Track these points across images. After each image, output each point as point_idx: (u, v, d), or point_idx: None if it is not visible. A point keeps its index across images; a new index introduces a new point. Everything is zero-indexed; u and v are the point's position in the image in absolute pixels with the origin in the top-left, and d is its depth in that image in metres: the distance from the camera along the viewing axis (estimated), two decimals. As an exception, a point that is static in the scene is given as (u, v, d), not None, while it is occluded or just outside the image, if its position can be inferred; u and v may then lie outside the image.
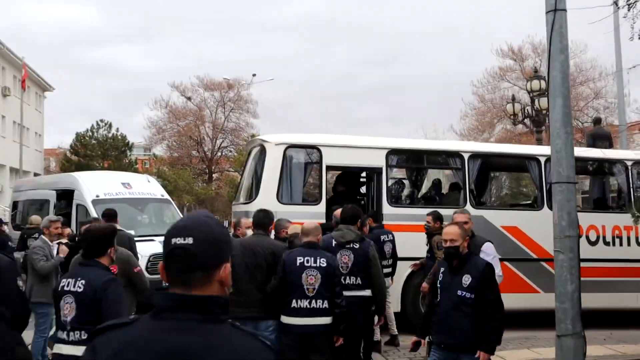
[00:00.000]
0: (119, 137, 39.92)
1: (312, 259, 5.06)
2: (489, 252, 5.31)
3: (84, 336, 3.62)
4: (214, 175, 40.63)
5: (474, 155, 9.75)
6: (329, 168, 9.12)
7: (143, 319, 1.63)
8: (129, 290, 4.71)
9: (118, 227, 6.32)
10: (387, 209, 8.98)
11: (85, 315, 3.65)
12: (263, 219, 5.63)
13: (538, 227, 8.99)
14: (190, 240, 1.60)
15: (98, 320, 3.26)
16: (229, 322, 1.62)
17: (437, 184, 10.59)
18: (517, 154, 10.67)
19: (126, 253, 5.46)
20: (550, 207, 9.67)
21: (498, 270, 5.18)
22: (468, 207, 9.44)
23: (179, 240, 1.61)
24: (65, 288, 3.76)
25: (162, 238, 1.74)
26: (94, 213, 11.56)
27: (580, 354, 5.40)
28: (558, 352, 5.41)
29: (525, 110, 15.44)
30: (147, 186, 13.39)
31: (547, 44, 5.80)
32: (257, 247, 5.38)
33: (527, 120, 23.33)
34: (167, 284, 1.67)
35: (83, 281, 3.73)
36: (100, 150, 38.60)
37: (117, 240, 4.31)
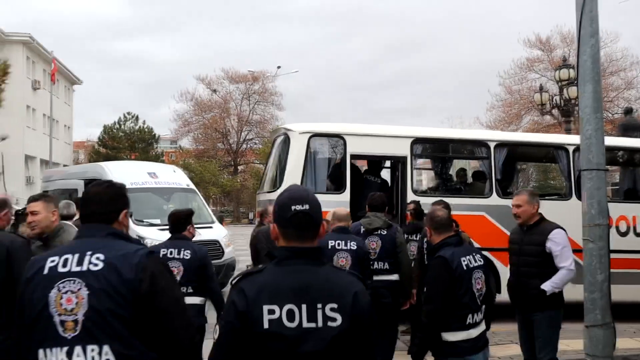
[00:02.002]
0: (146, 129, 40.46)
1: (343, 242, 5.32)
2: (557, 240, 4.85)
3: (190, 290, 4.83)
4: (239, 167, 40.93)
5: (501, 144, 9.59)
6: (353, 157, 9.07)
7: (268, 267, 2.18)
8: None
9: None
10: (411, 198, 8.91)
11: (190, 275, 4.83)
12: None
13: (566, 217, 8.77)
14: (307, 207, 2.18)
15: (199, 279, 4.90)
16: (329, 264, 2.26)
17: (462, 173, 10.46)
18: (544, 143, 10.47)
19: None
20: (579, 197, 9.51)
21: (568, 264, 4.78)
22: (494, 197, 9.36)
23: (298, 207, 2.17)
24: (169, 255, 4.84)
25: None
26: (121, 202, 11.72)
27: (610, 345, 5.26)
28: (586, 343, 5.28)
29: (554, 100, 15.15)
30: (172, 176, 13.52)
31: (576, 27, 5.65)
32: None
33: (555, 111, 22.95)
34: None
35: (189, 251, 4.88)
36: (127, 142, 39.17)
37: None
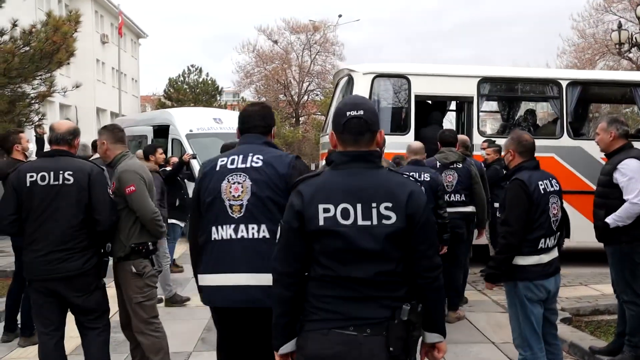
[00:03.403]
0: (209, 81, 40.96)
1: (417, 174, 5.48)
2: (624, 170, 4.45)
3: None
4: (301, 118, 41.01)
5: (573, 83, 9.17)
6: (417, 97, 8.91)
7: (325, 171, 2.28)
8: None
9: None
10: (477, 139, 8.71)
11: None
12: None
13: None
14: (361, 112, 2.22)
15: None
16: (386, 167, 2.29)
17: (531, 113, 10.09)
18: (621, 81, 9.92)
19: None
20: (660, 137, 9.05)
21: (632, 196, 4.37)
22: (565, 137, 9.01)
23: (353, 112, 2.22)
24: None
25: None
26: (187, 147, 12.07)
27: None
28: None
29: (634, 39, 14.19)
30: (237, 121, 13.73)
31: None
32: None
33: (633, 55, 21.54)
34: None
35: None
36: (191, 95, 39.84)
37: None
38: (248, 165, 2.87)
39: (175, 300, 6.90)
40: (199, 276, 2.99)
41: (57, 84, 11.63)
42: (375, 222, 2.13)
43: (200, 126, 12.74)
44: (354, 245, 2.13)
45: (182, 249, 9.10)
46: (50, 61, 10.42)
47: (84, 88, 17.99)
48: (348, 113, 2.23)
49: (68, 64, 12.13)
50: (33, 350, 4.83)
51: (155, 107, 41.99)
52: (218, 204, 2.86)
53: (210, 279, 2.90)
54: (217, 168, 2.93)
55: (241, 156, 2.91)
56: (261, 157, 2.88)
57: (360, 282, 2.14)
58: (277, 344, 2.29)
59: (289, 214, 2.24)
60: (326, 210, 2.15)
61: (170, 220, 8.44)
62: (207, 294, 2.97)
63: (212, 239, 2.88)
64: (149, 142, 13.71)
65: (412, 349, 2.20)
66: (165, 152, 12.92)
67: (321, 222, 2.15)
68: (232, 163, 2.90)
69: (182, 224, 8.47)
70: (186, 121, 13.00)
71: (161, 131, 13.59)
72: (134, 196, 3.95)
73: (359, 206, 2.14)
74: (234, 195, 2.84)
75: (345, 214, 2.14)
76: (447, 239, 5.70)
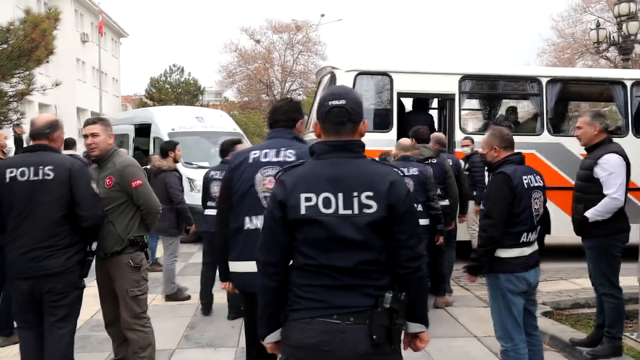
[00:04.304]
0: (191, 81, 40.73)
1: (406, 169, 5.69)
2: (605, 165, 4.50)
3: None
4: (283, 118, 40.91)
5: (553, 80, 9.29)
6: (400, 95, 8.95)
7: (308, 161, 2.30)
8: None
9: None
10: (459, 136, 8.78)
11: None
12: None
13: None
14: (343, 102, 2.24)
15: None
16: (368, 158, 2.29)
17: (512, 110, 10.20)
18: (600, 78, 10.04)
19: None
20: (636, 134, 9.19)
21: (611, 191, 4.42)
22: (545, 134, 9.11)
23: (335, 102, 2.25)
24: (215, 176, 6.14)
25: None
26: (170, 145, 11.97)
27: (664, 275, 5.16)
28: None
29: (611, 37, 14.38)
30: (219, 120, 13.69)
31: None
32: None
33: (611, 54, 21.84)
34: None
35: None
36: (173, 94, 39.57)
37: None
38: (281, 159, 3.01)
39: (176, 298, 6.88)
40: (231, 263, 3.14)
41: (37, 83, 11.49)
42: (356, 211, 2.16)
43: (183, 125, 12.67)
44: (335, 234, 2.15)
45: (164, 248, 9.02)
46: (29, 59, 10.30)
47: (64, 87, 17.78)
48: (330, 103, 2.25)
49: (47, 62, 12.00)
50: (14, 349, 4.76)
51: (137, 107, 41.65)
52: (251, 195, 3.02)
53: (245, 266, 3.00)
54: (250, 160, 3.07)
55: (274, 150, 3.06)
56: (293, 152, 3.03)
57: (342, 271, 2.16)
58: (262, 333, 2.32)
59: (271, 203, 2.27)
60: (308, 200, 2.18)
61: None
62: (241, 280, 3.10)
63: (246, 228, 3.03)
64: (131, 141, 13.60)
65: (395, 337, 2.20)
66: (147, 151, 12.90)
67: (303, 211, 2.17)
68: (265, 156, 3.05)
69: None
70: (168, 120, 12.91)
71: (143, 130, 13.48)
72: (141, 190, 3.96)
73: (340, 195, 2.17)
74: (268, 188, 2.96)
75: (326, 202, 2.17)
76: (442, 229, 6.04)
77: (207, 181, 6.28)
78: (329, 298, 2.16)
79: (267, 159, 3.04)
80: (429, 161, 6.33)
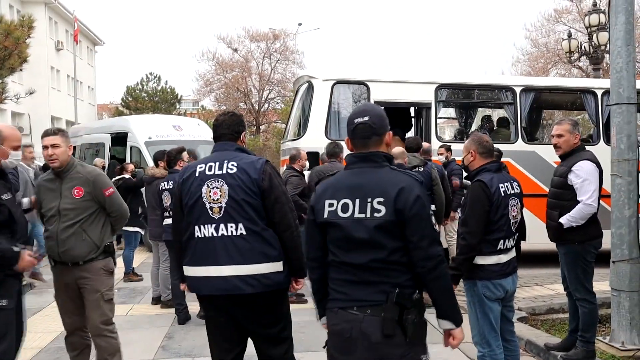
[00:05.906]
0: (168, 90, 40.45)
1: None
2: (579, 172, 4.57)
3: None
4: (261, 126, 40.87)
5: (527, 89, 9.46)
6: (377, 104, 9.01)
7: (339, 172, 2.69)
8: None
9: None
10: (436, 144, 8.88)
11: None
12: (334, 149, 6.96)
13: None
14: (367, 118, 2.56)
15: None
16: (389, 166, 2.57)
17: (487, 119, 10.35)
18: (572, 88, 10.26)
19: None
20: (607, 142, 9.38)
21: (585, 197, 4.50)
22: (519, 142, 9.27)
23: (359, 119, 2.57)
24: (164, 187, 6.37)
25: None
26: (147, 154, 11.90)
27: (636, 280, 5.25)
28: (613, 279, 5.27)
29: (583, 48, 14.70)
30: (197, 129, 13.60)
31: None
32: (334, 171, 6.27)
33: (583, 64, 22.32)
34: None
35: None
36: (150, 103, 39.23)
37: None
38: (224, 171, 3.18)
39: (170, 305, 6.80)
40: (185, 267, 3.32)
41: (10, 91, 11.31)
42: (368, 215, 2.45)
43: (159, 134, 12.56)
44: (351, 235, 2.47)
45: (141, 258, 8.95)
46: (1, 67, 10.15)
47: (38, 95, 17.54)
48: (355, 120, 2.58)
49: (21, 70, 11.84)
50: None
51: (113, 116, 41.18)
52: (200, 206, 3.19)
53: (196, 271, 3.23)
54: (197, 174, 3.23)
55: (217, 163, 3.22)
56: (235, 164, 3.19)
57: (357, 267, 2.47)
58: (318, 315, 2.75)
59: (308, 208, 2.68)
60: (330, 205, 2.54)
61: (133, 228, 8.34)
62: (194, 283, 3.28)
63: (196, 237, 3.21)
64: (107, 150, 13.44)
65: (411, 331, 2.41)
66: (123, 159, 12.77)
67: (325, 215, 2.54)
68: (209, 169, 3.21)
69: (142, 232, 8.38)
70: (145, 129, 12.79)
71: (119, 139, 13.33)
72: (114, 197, 4.08)
73: (357, 201, 2.48)
74: (213, 199, 3.16)
75: (345, 208, 2.50)
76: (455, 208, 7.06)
77: (159, 193, 6.44)
78: (350, 291, 2.48)
79: (211, 172, 3.20)
80: (417, 169, 6.65)
